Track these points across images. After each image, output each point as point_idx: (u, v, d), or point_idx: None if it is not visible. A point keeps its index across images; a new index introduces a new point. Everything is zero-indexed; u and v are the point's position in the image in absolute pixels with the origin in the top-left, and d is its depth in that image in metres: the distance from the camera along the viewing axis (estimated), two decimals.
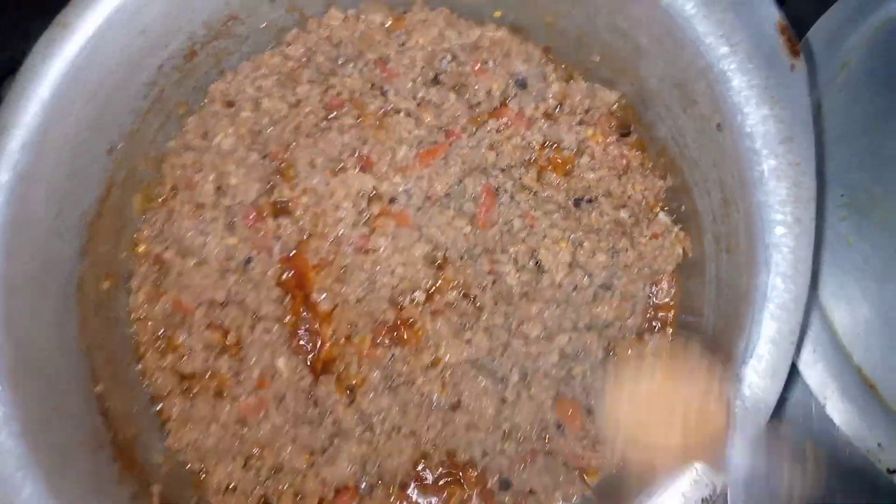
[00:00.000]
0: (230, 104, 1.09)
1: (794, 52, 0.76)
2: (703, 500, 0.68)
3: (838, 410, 0.98)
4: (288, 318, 1.06)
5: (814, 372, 0.99)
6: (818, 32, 1.09)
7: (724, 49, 0.76)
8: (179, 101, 1.07)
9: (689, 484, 0.69)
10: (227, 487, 1.01)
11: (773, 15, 0.77)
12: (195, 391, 1.05)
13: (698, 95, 0.82)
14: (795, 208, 0.72)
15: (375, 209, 1.06)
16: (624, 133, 1.05)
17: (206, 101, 1.09)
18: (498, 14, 1.06)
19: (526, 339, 0.99)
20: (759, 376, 0.70)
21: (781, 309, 0.71)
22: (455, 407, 1.00)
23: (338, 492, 1.00)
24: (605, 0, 0.88)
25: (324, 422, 1.02)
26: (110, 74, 0.93)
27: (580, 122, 1.05)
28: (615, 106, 1.04)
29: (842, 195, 1.06)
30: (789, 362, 0.70)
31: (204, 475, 1.02)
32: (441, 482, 1.01)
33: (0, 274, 0.83)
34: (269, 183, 1.07)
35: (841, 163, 1.09)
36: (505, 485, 0.99)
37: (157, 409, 1.05)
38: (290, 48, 1.08)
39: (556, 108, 1.06)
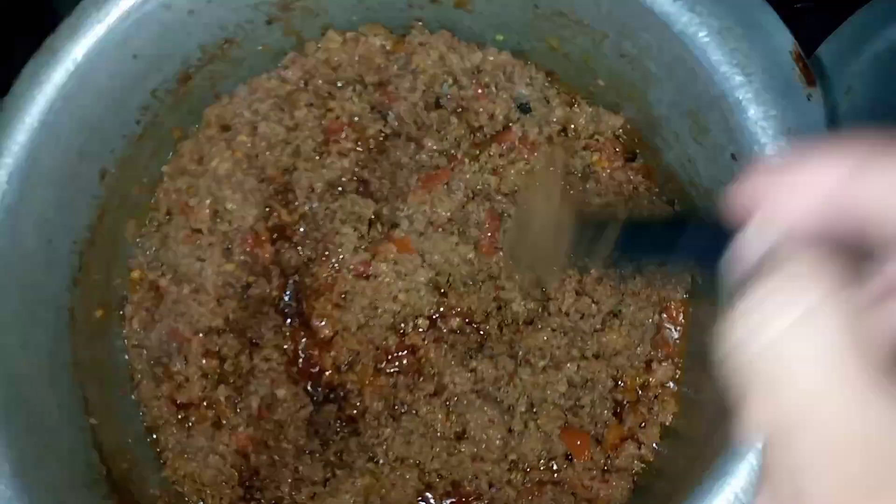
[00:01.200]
0: (226, 128, 1.06)
1: (810, 82, 0.75)
2: None
3: None
4: (287, 345, 1.03)
5: None
6: (822, 57, 1.08)
7: (740, 78, 0.75)
8: (173, 126, 1.04)
9: None
10: None
11: (789, 43, 0.76)
12: (192, 421, 1.02)
13: (711, 124, 0.80)
14: None
15: (376, 234, 1.04)
16: (630, 158, 1.03)
17: (201, 125, 1.07)
18: (500, 37, 1.04)
19: (533, 367, 0.97)
20: None
21: None
22: (460, 437, 0.98)
23: None
24: (613, 25, 0.86)
25: (325, 452, 0.99)
26: (101, 100, 0.91)
27: (585, 147, 1.03)
28: (620, 131, 1.03)
29: None
30: None
31: None
32: None
33: None
34: (266, 208, 1.05)
35: None
36: None
37: (153, 439, 1.02)
38: (288, 71, 1.06)
39: (560, 132, 1.05)
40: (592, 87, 1.02)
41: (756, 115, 0.74)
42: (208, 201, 1.04)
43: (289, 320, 1.04)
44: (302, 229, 1.05)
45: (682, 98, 0.84)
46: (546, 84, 1.05)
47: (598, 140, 1.04)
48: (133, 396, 1.03)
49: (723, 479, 0.69)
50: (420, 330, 1.02)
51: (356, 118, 1.06)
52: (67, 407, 0.90)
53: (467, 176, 1.03)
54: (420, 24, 1.05)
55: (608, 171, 1.02)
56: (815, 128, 0.74)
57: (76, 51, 0.84)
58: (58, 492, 0.81)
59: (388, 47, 1.06)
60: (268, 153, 1.05)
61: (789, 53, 0.76)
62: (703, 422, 0.88)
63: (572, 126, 1.04)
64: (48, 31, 1.06)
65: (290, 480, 0.98)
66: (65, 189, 0.90)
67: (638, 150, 1.03)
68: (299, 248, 1.05)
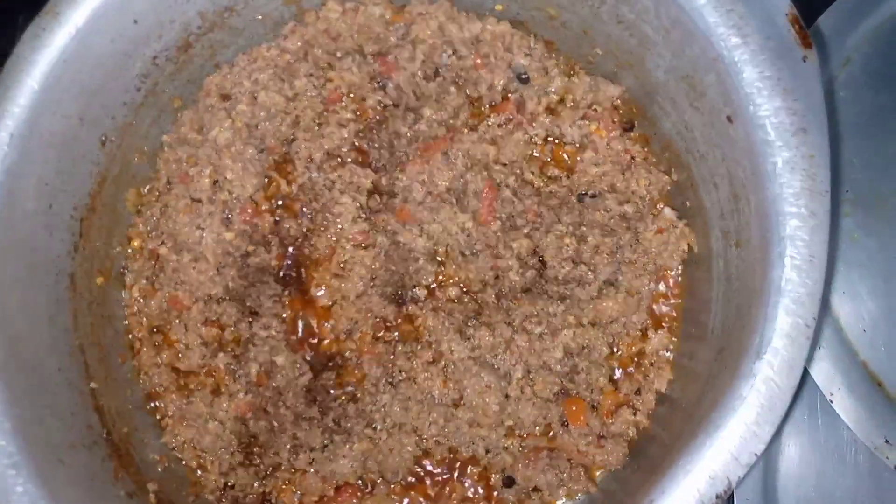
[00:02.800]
0: (226, 98, 1.06)
1: (806, 44, 0.75)
2: (717, 496, 0.67)
3: (844, 407, 0.97)
4: (286, 314, 1.04)
5: (820, 368, 0.98)
6: (820, 27, 1.08)
7: (736, 40, 0.75)
8: (174, 95, 1.04)
9: (704, 480, 0.68)
10: (226, 486, 0.99)
11: (784, 5, 0.76)
12: (192, 388, 1.03)
13: (707, 87, 0.80)
14: (810, 201, 0.71)
15: (375, 204, 1.04)
16: (627, 128, 1.03)
17: (201, 94, 1.07)
18: (499, 7, 1.05)
19: (529, 335, 0.97)
20: (774, 371, 0.69)
21: (796, 303, 0.69)
22: (457, 403, 0.99)
23: (339, 489, 0.99)
24: None
25: (324, 419, 1.00)
26: (102, 65, 0.91)
27: (583, 117, 1.04)
28: (618, 100, 1.03)
29: (846, 191, 1.06)
30: (805, 357, 0.69)
31: (201, 473, 1.00)
32: (443, 479, 1.00)
33: None
34: (266, 177, 1.05)
35: (844, 159, 1.08)
36: (508, 482, 0.97)
37: (153, 406, 1.02)
38: (287, 41, 1.06)
39: (559, 102, 1.05)
40: (591, 56, 1.02)
41: (752, 76, 0.75)
42: (208, 171, 1.04)
43: (288, 289, 1.05)
44: (301, 199, 1.05)
45: (679, 62, 0.84)
46: (545, 54, 1.05)
47: (596, 110, 1.04)
48: (133, 363, 1.03)
49: (715, 433, 0.69)
50: (418, 299, 1.02)
51: (355, 88, 1.06)
52: (68, 370, 0.90)
53: (466, 146, 1.03)
54: None
55: (606, 140, 1.02)
56: (811, 89, 0.74)
57: (77, 14, 0.84)
58: (58, 450, 0.81)
59: (387, 17, 1.06)
60: (267, 123, 1.05)
61: (785, 16, 0.76)
62: (697, 387, 0.88)
63: (570, 96, 1.04)
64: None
65: (288, 446, 0.99)
66: (66, 154, 0.90)
67: (636, 121, 1.03)
68: (298, 218, 1.05)
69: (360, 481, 1.00)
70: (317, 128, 1.06)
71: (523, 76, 1.05)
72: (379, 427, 0.99)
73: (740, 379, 0.70)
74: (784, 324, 0.69)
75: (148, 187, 1.07)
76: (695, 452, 0.70)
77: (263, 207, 1.05)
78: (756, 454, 0.68)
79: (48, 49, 0.84)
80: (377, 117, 1.07)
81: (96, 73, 0.90)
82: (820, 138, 0.73)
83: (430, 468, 1.00)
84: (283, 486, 0.99)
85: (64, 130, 0.89)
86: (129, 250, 1.05)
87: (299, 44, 1.07)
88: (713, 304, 0.87)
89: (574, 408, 0.97)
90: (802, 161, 0.72)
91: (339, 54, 1.07)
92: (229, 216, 1.04)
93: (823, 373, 0.98)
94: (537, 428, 0.98)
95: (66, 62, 0.85)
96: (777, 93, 0.74)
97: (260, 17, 1.04)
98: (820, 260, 0.70)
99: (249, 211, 1.04)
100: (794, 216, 0.71)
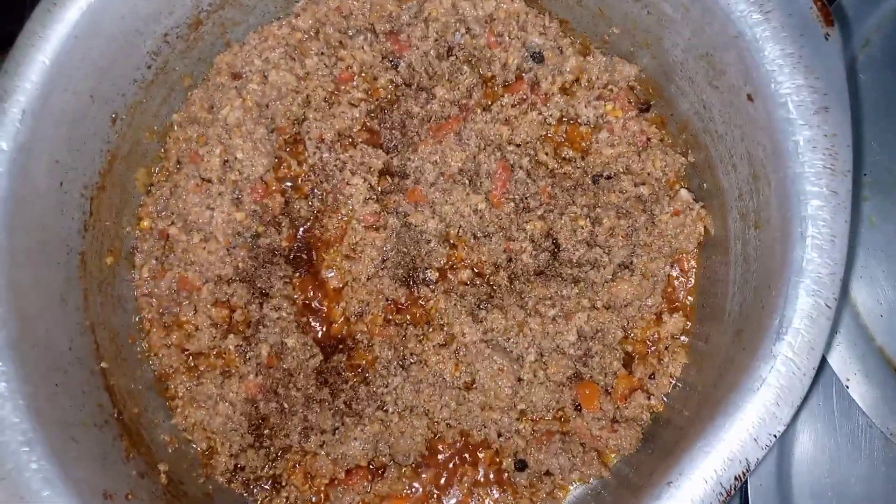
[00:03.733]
0: (236, 76, 1.05)
1: (829, 22, 0.74)
2: (735, 477, 0.66)
3: (860, 392, 0.96)
4: (297, 295, 1.03)
5: (836, 353, 0.97)
6: (843, 5, 1.06)
7: (757, 16, 0.74)
8: (184, 73, 1.03)
9: (722, 462, 0.67)
10: (236, 467, 0.99)
11: None
12: (202, 369, 1.02)
13: (727, 65, 0.79)
14: (832, 181, 0.69)
15: (386, 185, 1.03)
16: (644, 109, 1.02)
17: (211, 72, 1.06)
18: None
19: (542, 318, 0.96)
20: (794, 352, 0.68)
21: (818, 284, 0.68)
22: (469, 386, 0.98)
23: (349, 472, 0.98)
24: None
25: (335, 401, 0.99)
26: (113, 42, 0.90)
27: (598, 97, 1.02)
28: (634, 81, 1.01)
29: (865, 174, 1.04)
30: (826, 338, 0.68)
31: (211, 455, 0.99)
32: (454, 463, 0.99)
33: (2, 246, 0.80)
34: (277, 157, 1.04)
35: (858, 143, 1.06)
36: (520, 466, 0.97)
37: (163, 387, 1.02)
38: (299, 19, 1.05)
39: (574, 82, 1.03)
40: (607, 35, 1.00)
41: (773, 53, 0.73)
42: (218, 150, 1.04)
43: (298, 271, 1.04)
44: (311, 180, 1.04)
45: (698, 40, 0.83)
46: (559, 33, 1.04)
47: (611, 90, 1.02)
48: (143, 344, 1.03)
49: (734, 414, 0.69)
50: (430, 281, 1.02)
51: (367, 67, 1.05)
52: (79, 349, 0.90)
53: (479, 126, 1.02)
54: None
55: (622, 121, 1.01)
56: (833, 67, 0.73)
57: None
58: (71, 428, 0.81)
59: None
60: (278, 102, 1.04)
61: None
62: (713, 370, 0.87)
63: (585, 76, 1.03)
64: None
65: (299, 429, 0.99)
66: (77, 132, 0.89)
67: (652, 101, 1.02)
68: (309, 198, 1.04)
69: (371, 464, 0.99)
70: (328, 107, 1.05)
71: (537, 55, 1.03)
72: (390, 410, 0.99)
73: (760, 360, 0.69)
74: (805, 304, 0.68)
75: (158, 167, 1.06)
76: (712, 434, 0.69)
77: (274, 188, 1.04)
78: (775, 435, 0.67)
79: (59, 25, 0.83)
80: (389, 97, 1.05)
81: (107, 50, 0.89)
82: (842, 117, 0.71)
83: (441, 451, 1.00)
84: (294, 469, 0.99)
85: (75, 108, 0.88)
86: (139, 230, 1.04)
87: (311, 22, 1.05)
88: (730, 286, 0.86)
89: (587, 391, 0.96)
90: (824, 140, 0.71)
91: (350, 33, 1.06)
92: (239, 196, 1.03)
93: (840, 358, 0.97)
94: (550, 412, 0.98)
95: (77, 38, 0.84)
96: (799, 70, 0.72)
97: None
98: (842, 240, 0.69)
99: (260, 191, 1.03)
100: (815, 196, 0.70)
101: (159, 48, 0.97)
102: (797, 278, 0.69)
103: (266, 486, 0.99)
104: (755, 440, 0.68)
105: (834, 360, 0.97)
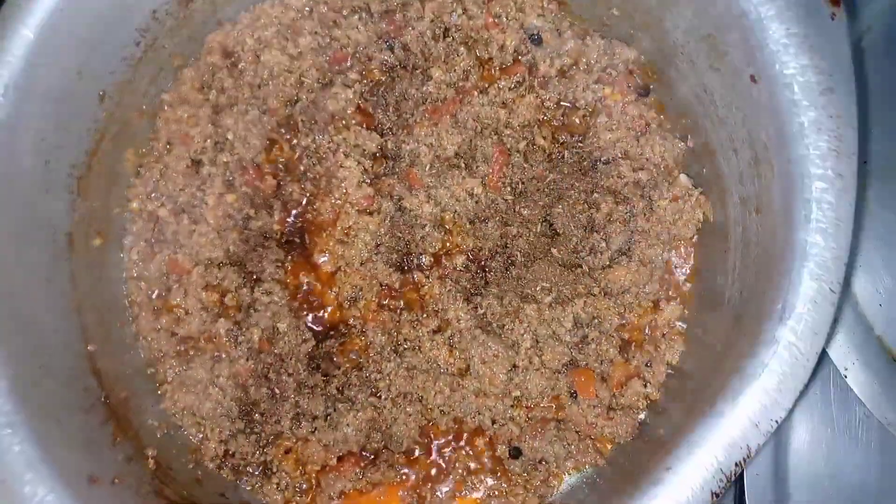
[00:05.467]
0: (228, 56, 1.03)
1: (835, 2, 0.72)
2: (736, 463, 0.65)
3: (858, 382, 0.95)
4: (289, 279, 1.02)
5: (834, 342, 0.96)
6: None
7: None
8: (174, 52, 1.01)
9: (723, 448, 0.66)
10: (226, 453, 0.97)
11: None
12: (191, 354, 1.00)
13: (730, 46, 0.78)
14: (837, 163, 0.68)
15: (380, 168, 1.02)
16: (642, 93, 1.00)
17: (202, 52, 1.03)
18: None
19: (539, 304, 0.95)
20: (797, 337, 0.66)
21: (821, 268, 0.67)
22: (464, 373, 0.97)
23: (341, 458, 0.97)
24: None
25: (327, 387, 0.98)
26: (100, 17, 0.88)
27: (597, 81, 1.00)
28: (633, 64, 1.00)
29: (864, 162, 1.03)
30: (830, 322, 0.66)
31: (201, 440, 0.98)
32: (448, 450, 0.98)
33: None
34: (269, 139, 1.02)
35: (862, 130, 1.05)
36: (515, 453, 0.95)
37: (152, 371, 1.00)
38: None
39: (572, 65, 1.02)
40: (606, 17, 0.99)
41: (778, 33, 0.72)
42: (209, 131, 1.02)
43: (290, 255, 1.02)
44: (305, 162, 1.02)
45: (701, 21, 0.81)
46: (558, 15, 1.02)
47: (610, 74, 1.01)
48: (133, 328, 1.01)
49: (735, 399, 0.67)
50: (424, 267, 1.00)
51: (362, 48, 1.03)
52: (65, 331, 0.88)
53: (476, 109, 1.00)
54: None
55: (620, 105, 0.99)
56: (839, 48, 0.71)
57: None
58: (55, 412, 0.79)
59: None
60: (271, 83, 1.02)
61: None
62: (710, 359, 0.86)
63: (584, 59, 1.01)
64: None
65: (290, 414, 0.97)
66: (63, 108, 0.87)
67: (651, 85, 1.00)
68: (302, 181, 1.02)
69: (363, 451, 0.98)
70: (321, 89, 1.03)
71: (536, 38, 1.02)
72: (383, 396, 0.97)
73: (761, 345, 0.68)
74: (808, 288, 0.67)
75: (147, 147, 1.03)
76: (713, 420, 0.68)
77: (266, 170, 1.02)
78: (777, 421, 0.66)
79: None
80: (383, 78, 1.03)
81: (95, 25, 0.87)
82: (847, 98, 0.70)
83: (434, 438, 0.98)
84: (285, 455, 0.97)
85: (62, 84, 0.86)
86: (128, 212, 1.02)
87: (304, 0, 1.03)
88: (730, 272, 0.85)
89: (583, 379, 0.95)
90: (829, 121, 0.69)
91: (345, 12, 1.04)
92: (231, 178, 1.01)
93: (838, 347, 0.96)
94: (545, 399, 0.96)
95: (62, 11, 0.82)
96: (804, 50, 0.71)
97: None
98: (847, 224, 0.67)
99: (252, 173, 1.01)
100: (820, 178, 0.69)
101: (148, 25, 0.95)
102: (801, 262, 0.68)
103: (256, 473, 0.97)
104: (756, 426, 0.67)
105: (832, 350, 0.96)
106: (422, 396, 0.97)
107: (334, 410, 0.97)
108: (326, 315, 1.02)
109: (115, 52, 0.92)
